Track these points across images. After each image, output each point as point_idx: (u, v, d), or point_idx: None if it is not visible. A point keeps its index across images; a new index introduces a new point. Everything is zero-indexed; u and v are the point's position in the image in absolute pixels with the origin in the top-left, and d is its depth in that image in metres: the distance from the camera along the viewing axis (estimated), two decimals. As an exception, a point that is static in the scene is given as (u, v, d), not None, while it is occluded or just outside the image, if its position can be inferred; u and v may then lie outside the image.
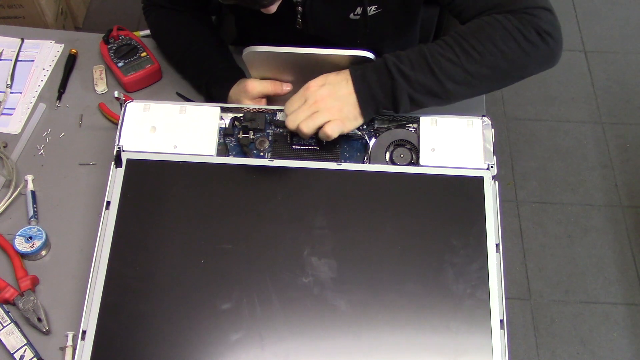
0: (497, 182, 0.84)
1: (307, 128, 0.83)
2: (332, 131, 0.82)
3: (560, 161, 1.95)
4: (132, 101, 0.89)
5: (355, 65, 0.85)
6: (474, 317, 0.76)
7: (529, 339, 1.65)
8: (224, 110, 0.90)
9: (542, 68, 0.86)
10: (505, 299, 0.78)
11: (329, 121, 0.83)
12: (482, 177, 0.84)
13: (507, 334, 0.76)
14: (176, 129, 0.87)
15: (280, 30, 0.97)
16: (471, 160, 0.85)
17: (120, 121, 0.88)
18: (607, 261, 1.77)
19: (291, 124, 0.84)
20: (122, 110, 0.88)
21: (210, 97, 1.02)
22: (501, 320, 0.76)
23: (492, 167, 0.84)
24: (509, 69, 0.84)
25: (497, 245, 0.80)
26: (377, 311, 0.77)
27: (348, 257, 0.80)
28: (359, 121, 0.85)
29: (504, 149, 1.94)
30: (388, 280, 0.78)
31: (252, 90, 0.93)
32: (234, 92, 0.97)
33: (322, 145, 0.88)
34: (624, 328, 1.66)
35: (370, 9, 0.95)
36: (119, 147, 0.86)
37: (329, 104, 0.83)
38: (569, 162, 1.95)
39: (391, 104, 0.84)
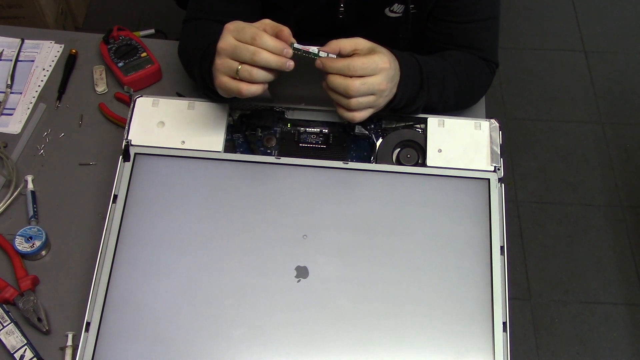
0: (503, 184, 0.84)
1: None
2: (363, 119, 0.78)
3: (560, 161, 1.95)
4: (141, 96, 0.89)
5: (401, 56, 0.82)
6: (477, 320, 0.76)
7: (529, 339, 1.65)
8: (232, 107, 0.90)
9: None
10: (508, 299, 0.78)
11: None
12: (489, 179, 0.84)
13: (510, 337, 0.76)
14: (184, 124, 0.88)
15: (321, 22, 0.97)
16: (478, 162, 0.85)
17: (129, 115, 0.88)
18: (607, 261, 1.77)
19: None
20: (131, 104, 0.89)
21: (201, 76, 0.87)
22: (504, 323, 0.76)
23: (498, 169, 0.84)
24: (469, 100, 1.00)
25: (501, 247, 0.80)
26: (379, 310, 0.77)
27: (352, 256, 0.79)
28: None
29: (504, 148, 1.94)
30: (391, 279, 0.78)
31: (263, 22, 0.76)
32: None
33: (329, 143, 0.89)
34: (624, 328, 1.66)
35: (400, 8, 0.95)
36: (127, 141, 0.86)
37: (386, 94, 0.78)
38: (569, 162, 1.95)
39: (400, 105, 0.84)
